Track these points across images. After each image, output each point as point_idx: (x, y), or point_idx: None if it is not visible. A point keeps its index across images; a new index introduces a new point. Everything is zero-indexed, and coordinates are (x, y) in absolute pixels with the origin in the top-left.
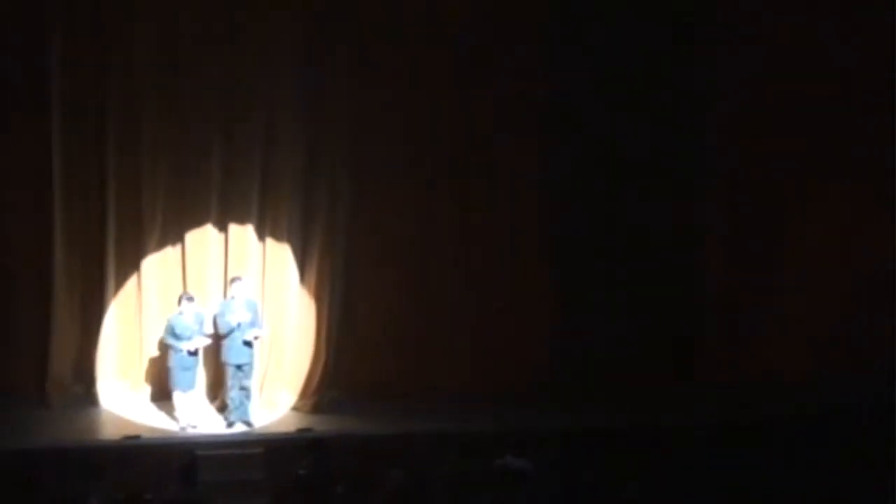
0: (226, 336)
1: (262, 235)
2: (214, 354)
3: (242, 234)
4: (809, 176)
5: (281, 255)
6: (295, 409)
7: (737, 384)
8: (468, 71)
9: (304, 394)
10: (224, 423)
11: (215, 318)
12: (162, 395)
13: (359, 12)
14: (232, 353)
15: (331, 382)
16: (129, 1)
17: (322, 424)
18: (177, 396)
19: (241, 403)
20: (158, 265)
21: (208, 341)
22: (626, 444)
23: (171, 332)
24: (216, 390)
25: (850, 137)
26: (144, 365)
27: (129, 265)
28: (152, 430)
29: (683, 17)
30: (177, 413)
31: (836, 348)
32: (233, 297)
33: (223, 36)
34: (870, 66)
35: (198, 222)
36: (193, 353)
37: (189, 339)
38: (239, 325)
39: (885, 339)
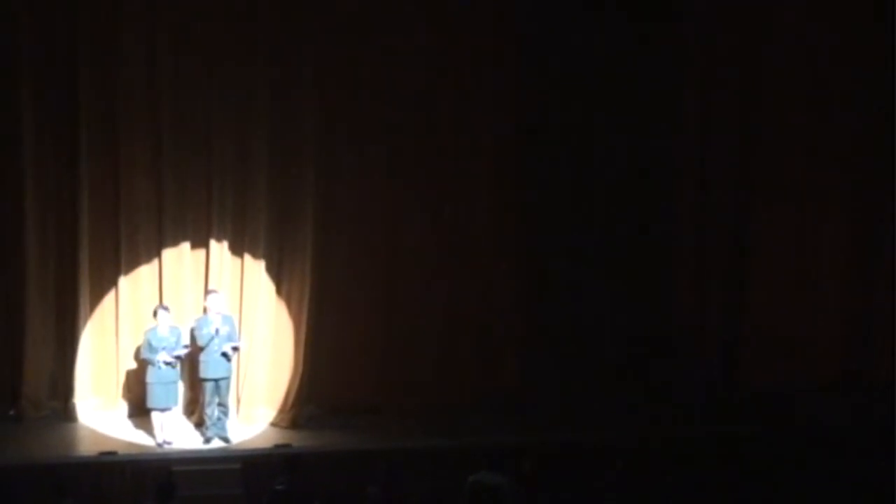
0: (205, 346)
1: (238, 252)
2: (192, 370)
3: (219, 251)
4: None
5: (257, 272)
6: (273, 424)
7: (710, 400)
8: (439, 83)
9: (281, 409)
10: (201, 439)
11: (192, 332)
12: (139, 411)
13: (324, 35)
14: (210, 368)
15: (308, 397)
16: (109, 26)
17: (300, 440)
18: (155, 414)
19: (219, 419)
20: (135, 281)
21: (186, 350)
22: (601, 460)
23: (148, 345)
24: (193, 406)
25: (832, 144)
26: (121, 380)
27: (106, 281)
28: (129, 445)
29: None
30: (154, 429)
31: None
32: (209, 311)
33: (198, 60)
34: (849, 72)
35: (174, 240)
36: (171, 366)
37: (165, 350)
38: (217, 331)
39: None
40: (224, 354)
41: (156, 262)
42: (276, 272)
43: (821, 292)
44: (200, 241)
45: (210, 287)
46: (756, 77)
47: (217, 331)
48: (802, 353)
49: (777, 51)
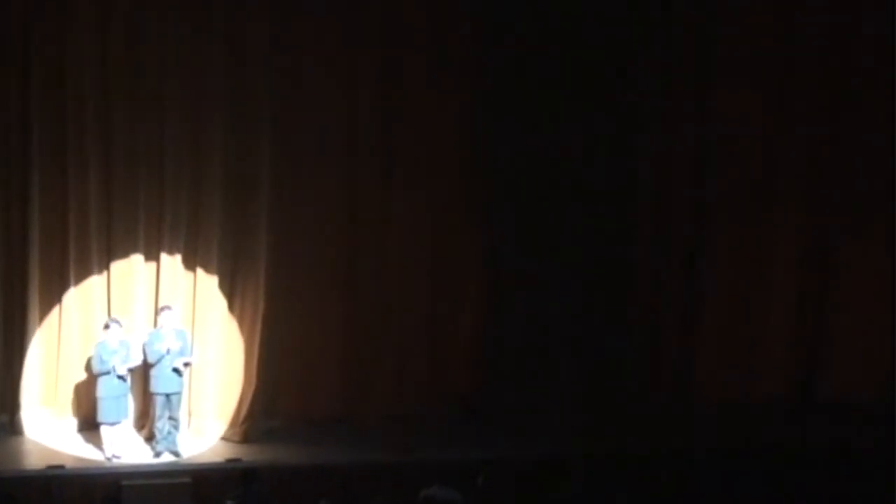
0: (155, 364)
1: (190, 266)
2: (143, 384)
3: (171, 264)
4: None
5: (210, 286)
6: (224, 438)
7: (664, 416)
8: (396, 84)
9: (233, 423)
10: (151, 453)
11: (144, 347)
12: (88, 424)
13: (279, 44)
14: (161, 382)
15: (260, 411)
16: (59, 35)
17: (251, 454)
18: (105, 428)
19: (169, 433)
20: (84, 294)
21: (138, 362)
22: (555, 474)
23: (98, 359)
24: (144, 420)
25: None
26: (70, 394)
27: (54, 294)
28: (77, 459)
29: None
30: (103, 443)
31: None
32: (161, 326)
33: (151, 71)
34: (803, 91)
35: (125, 252)
36: (122, 379)
37: (114, 363)
38: (168, 350)
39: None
40: (175, 370)
41: (105, 274)
42: (229, 286)
43: (773, 311)
44: (152, 255)
45: (164, 303)
46: (710, 99)
47: (169, 350)
48: (754, 371)
49: (731, 75)
